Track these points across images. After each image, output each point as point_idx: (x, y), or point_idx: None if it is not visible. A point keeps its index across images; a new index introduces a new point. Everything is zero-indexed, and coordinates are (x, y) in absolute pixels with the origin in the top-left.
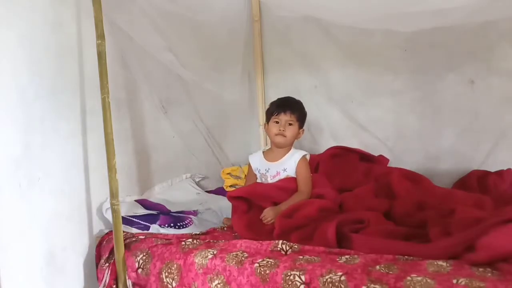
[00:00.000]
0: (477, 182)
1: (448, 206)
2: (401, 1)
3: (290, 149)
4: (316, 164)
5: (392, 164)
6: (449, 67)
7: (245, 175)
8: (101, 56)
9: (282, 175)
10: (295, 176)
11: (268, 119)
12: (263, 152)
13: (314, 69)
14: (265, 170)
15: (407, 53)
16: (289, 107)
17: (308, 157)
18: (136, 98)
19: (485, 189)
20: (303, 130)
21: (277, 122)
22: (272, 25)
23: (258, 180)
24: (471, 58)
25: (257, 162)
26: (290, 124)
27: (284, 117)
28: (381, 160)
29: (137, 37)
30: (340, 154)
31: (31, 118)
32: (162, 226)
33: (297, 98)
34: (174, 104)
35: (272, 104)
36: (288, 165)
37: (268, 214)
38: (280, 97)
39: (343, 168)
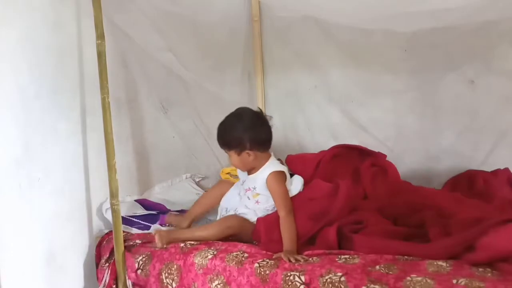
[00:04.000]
0: (467, 180)
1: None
2: (401, 1)
3: (265, 163)
4: (317, 162)
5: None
6: (449, 67)
7: None
8: (101, 56)
9: (252, 193)
10: (264, 194)
11: None
12: None
13: (314, 69)
14: (242, 181)
15: (407, 53)
16: (218, 141)
17: (281, 171)
18: (136, 98)
19: (472, 187)
20: (248, 153)
21: None
22: (272, 25)
23: (235, 189)
24: (471, 58)
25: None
26: (229, 155)
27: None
28: (379, 156)
29: (137, 37)
30: (341, 154)
31: (31, 117)
32: (162, 225)
33: (296, 98)
34: (174, 104)
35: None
36: (258, 182)
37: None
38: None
39: (343, 169)
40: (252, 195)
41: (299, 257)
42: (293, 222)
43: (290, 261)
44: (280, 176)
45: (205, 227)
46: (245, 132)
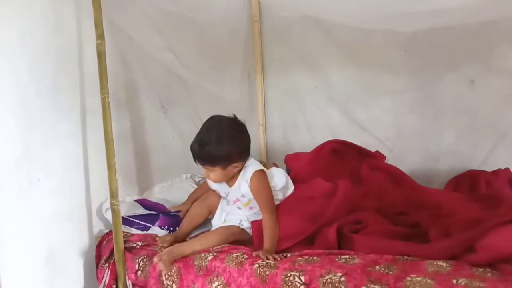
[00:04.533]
0: (469, 180)
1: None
2: (401, 1)
3: (242, 168)
4: (313, 158)
5: (392, 164)
6: (449, 67)
7: None
8: (101, 56)
9: (243, 202)
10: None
11: None
12: None
13: (314, 69)
14: (225, 193)
15: (407, 53)
16: (198, 160)
17: (262, 169)
18: (136, 98)
19: (474, 188)
20: (236, 165)
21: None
22: (272, 25)
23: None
24: (471, 58)
25: (216, 184)
26: (211, 171)
27: (203, 166)
28: (378, 156)
29: (137, 37)
30: (339, 150)
31: (31, 117)
32: (162, 227)
33: (296, 98)
34: (174, 104)
35: (192, 143)
36: (244, 189)
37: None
38: (201, 128)
39: (340, 166)
40: (242, 205)
41: (277, 256)
42: (277, 222)
43: (267, 259)
44: (263, 175)
45: (206, 236)
46: (231, 144)
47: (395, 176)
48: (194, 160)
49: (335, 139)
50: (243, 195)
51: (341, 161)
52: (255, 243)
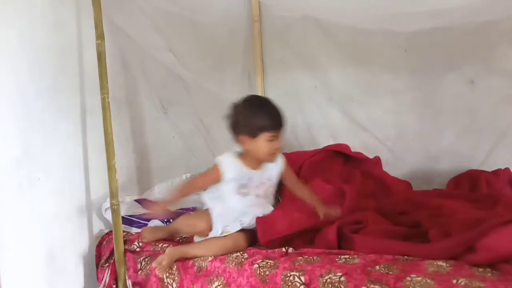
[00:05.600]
0: (469, 180)
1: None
2: (401, 1)
3: None
4: (298, 167)
5: (392, 164)
6: (449, 67)
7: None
8: (101, 56)
9: (268, 185)
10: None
11: (252, 133)
12: (239, 157)
13: (314, 69)
14: (247, 179)
15: (407, 53)
16: (283, 126)
17: None
18: (136, 98)
19: (476, 187)
20: None
21: (271, 140)
22: (272, 25)
23: (231, 190)
24: (471, 58)
25: (234, 171)
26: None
27: (280, 134)
28: (372, 161)
29: (137, 37)
30: (323, 157)
31: (31, 117)
32: (162, 221)
33: (296, 98)
34: (174, 104)
35: (262, 118)
36: (273, 172)
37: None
38: (266, 106)
39: (324, 170)
40: (266, 188)
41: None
42: None
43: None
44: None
45: (209, 244)
46: None
47: (385, 185)
48: (277, 129)
49: (322, 149)
50: (269, 179)
51: (327, 167)
52: (260, 240)
